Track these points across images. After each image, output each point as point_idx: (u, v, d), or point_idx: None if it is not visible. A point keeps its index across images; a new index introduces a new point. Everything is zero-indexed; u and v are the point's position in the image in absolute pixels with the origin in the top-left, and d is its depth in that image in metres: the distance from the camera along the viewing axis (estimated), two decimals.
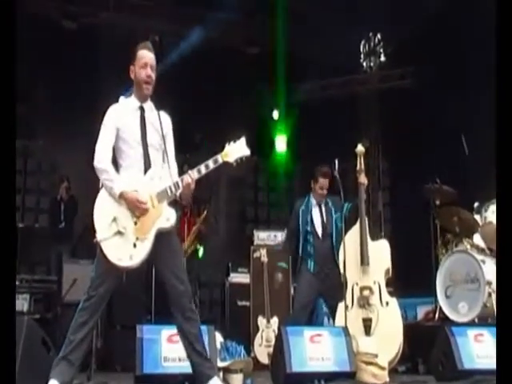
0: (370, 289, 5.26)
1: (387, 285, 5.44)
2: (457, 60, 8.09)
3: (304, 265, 5.67)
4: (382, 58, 10.52)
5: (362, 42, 10.68)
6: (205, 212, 7.76)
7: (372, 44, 10.63)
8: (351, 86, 10.73)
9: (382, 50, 10.53)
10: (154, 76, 3.73)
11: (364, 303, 5.23)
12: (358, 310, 5.22)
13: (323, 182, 5.70)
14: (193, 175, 3.62)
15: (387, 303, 5.24)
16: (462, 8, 7.81)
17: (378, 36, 10.52)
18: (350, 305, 5.24)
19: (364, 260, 5.33)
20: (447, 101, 8.16)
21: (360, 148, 5.61)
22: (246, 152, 3.69)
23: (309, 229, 5.72)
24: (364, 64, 10.72)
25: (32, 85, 9.08)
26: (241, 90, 9.75)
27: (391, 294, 5.45)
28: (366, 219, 5.51)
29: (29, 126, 9.28)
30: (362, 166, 5.58)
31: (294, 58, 9.68)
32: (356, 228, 5.47)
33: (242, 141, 3.71)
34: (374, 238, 5.65)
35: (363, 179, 5.56)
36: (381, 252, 5.44)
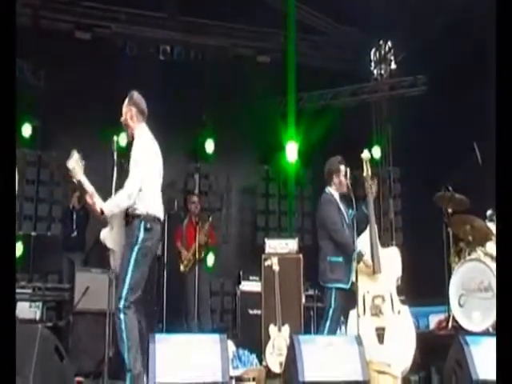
0: (382, 297, 5.22)
1: (399, 293, 5.40)
2: (468, 67, 8.06)
3: None
4: (393, 66, 10.50)
5: (373, 50, 10.69)
6: (209, 221, 7.78)
7: (382, 52, 10.62)
8: (362, 93, 10.74)
9: (392, 58, 10.52)
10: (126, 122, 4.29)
11: (376, 312, 5.19)
12: (370, 319, 5.18)
13: (344, 168, 5.49)
14: None
15: (399, 312, 5.19)
16: (474, 16, 7.80)
17: (389, 44, 10.52)
18: (361, 313, 5.18)
19: (376, 268, 5.27)
20: (458, 108, 8.12)
21: (366, 154, 5.55)
22: None
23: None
24: (375, 72, 10.71)
25: (46, 96, 9.16)
26: (252, 99, 9.77)
27: (403, 302, 5.41)
28: (376, 226, 5.44)
29: (42, 137, 9.39)
30: (369, 172, 5.52)
31: (305, 66, 9.70)
32: (365, 235, 5.40)
33: None
34: (384, 245, 5.58)
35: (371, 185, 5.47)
36: (392, 259, 5.38)
